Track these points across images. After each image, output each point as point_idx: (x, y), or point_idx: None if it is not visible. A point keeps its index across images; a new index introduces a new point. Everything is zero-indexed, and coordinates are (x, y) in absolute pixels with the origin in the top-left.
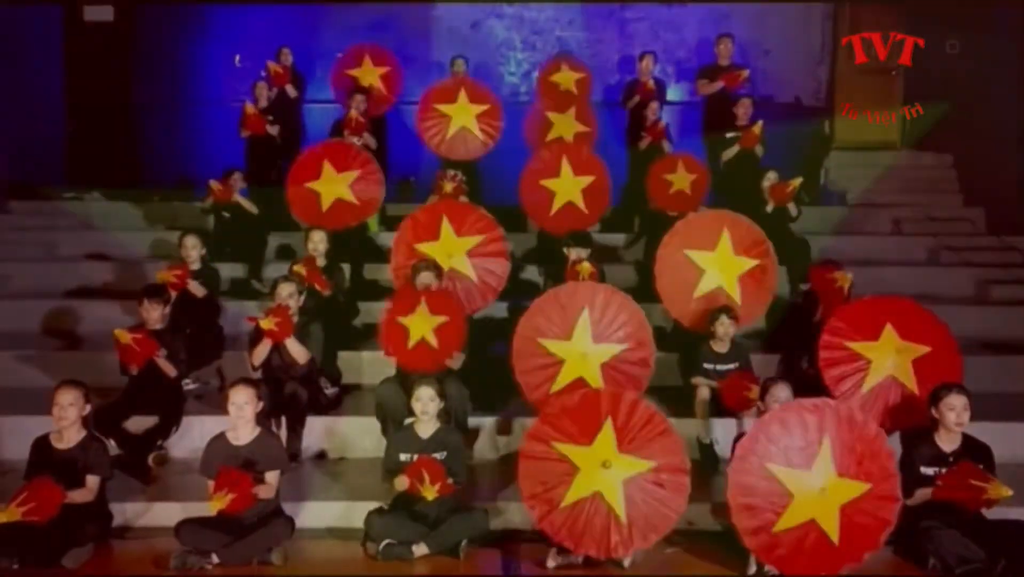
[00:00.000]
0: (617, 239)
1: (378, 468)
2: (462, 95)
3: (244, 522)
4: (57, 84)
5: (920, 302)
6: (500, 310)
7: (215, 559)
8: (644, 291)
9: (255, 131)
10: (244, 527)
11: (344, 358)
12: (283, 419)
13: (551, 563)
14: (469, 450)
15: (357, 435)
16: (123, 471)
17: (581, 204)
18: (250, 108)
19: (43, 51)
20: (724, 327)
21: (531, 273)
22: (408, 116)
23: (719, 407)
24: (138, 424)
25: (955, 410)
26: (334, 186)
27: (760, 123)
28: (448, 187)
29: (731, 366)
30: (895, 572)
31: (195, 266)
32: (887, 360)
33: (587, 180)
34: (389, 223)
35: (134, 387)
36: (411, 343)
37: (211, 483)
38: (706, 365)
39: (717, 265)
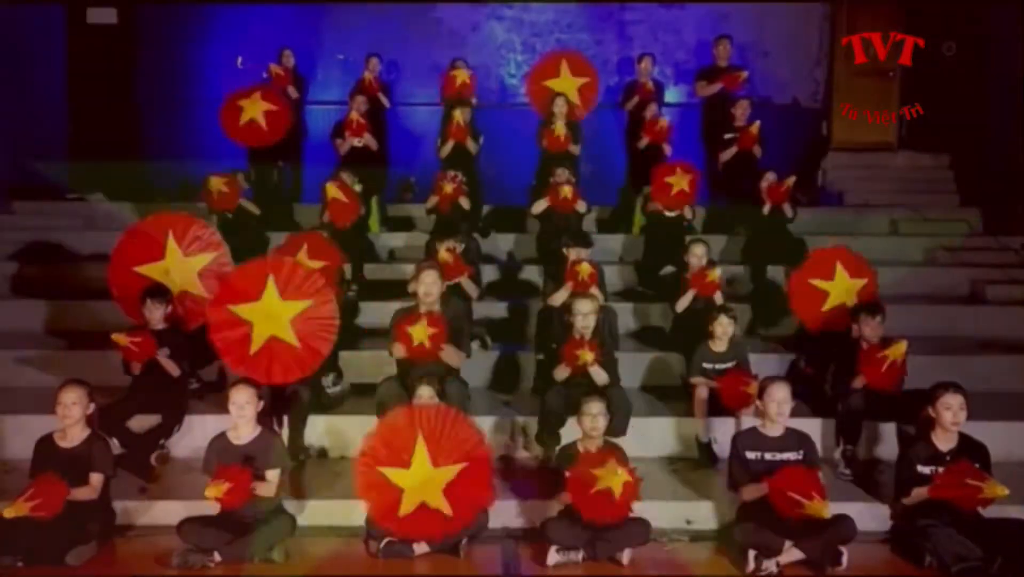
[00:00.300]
0: (617, 239)
1: None
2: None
3: (246, 520)
4: (60, 85)
5: (917, 302)
6: (500, 310)
7: (217, 557)
8: (644, 292)
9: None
10: (246, 525)
11: (344, 358)
12: (284, 418)
13: (551, 562)
14: None
15: (358, 434)
16: (126, 470)
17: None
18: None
19: (46, 53)
20: (722, 327)
21: (531, 273)
22: (408, 116)
23: (718, 406)
24: (141, 423)
25: (951, 409)
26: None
27: (758, 123)
28: (448, 188)
29: (729, 365)
30: (892, 570)
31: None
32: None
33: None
34: (390, 223)
35: (137, 386)
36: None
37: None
38: (705, 365)
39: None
